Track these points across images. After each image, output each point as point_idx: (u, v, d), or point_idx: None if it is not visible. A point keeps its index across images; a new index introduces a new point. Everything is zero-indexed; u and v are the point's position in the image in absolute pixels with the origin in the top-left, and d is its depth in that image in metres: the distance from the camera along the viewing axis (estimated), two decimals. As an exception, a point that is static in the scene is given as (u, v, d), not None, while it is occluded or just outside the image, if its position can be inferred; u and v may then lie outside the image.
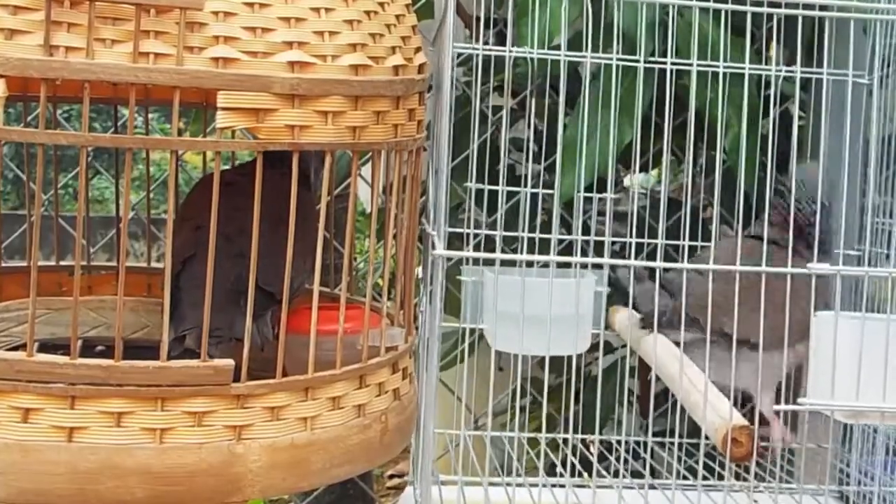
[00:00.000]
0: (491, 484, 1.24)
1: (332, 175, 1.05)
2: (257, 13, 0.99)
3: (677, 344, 1.24)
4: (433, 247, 1.13)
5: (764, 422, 1.37)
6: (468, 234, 1.45)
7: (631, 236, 1.44)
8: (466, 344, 1.38)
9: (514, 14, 1.46)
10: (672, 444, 1.45)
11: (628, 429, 1.51)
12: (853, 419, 1.16)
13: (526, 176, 1.53)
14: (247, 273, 1.02)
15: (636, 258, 1.43)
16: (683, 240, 1.33)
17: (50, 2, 0.94)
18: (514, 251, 1.42)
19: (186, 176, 1.83)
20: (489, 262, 1.28)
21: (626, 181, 1.88)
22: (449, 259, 1.21)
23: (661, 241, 1.31)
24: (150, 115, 1.48)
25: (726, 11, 1.33)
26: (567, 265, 1.28)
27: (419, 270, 1.37)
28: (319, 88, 1.01)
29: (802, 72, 1.26)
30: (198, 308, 1.01)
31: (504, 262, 1.26)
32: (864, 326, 1.10)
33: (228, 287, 1.08)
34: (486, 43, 1.61)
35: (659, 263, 1.20)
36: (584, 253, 1.44)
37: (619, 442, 1.47)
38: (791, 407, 1.13)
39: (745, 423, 1.06)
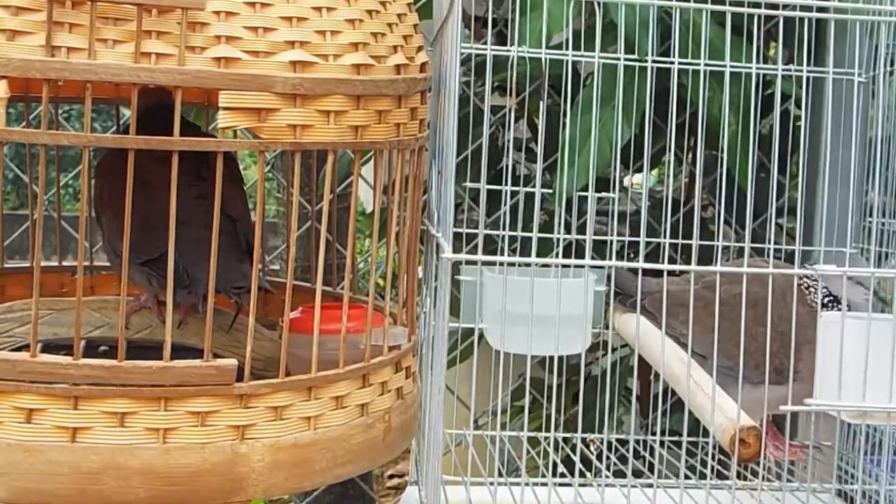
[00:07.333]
0: (496, 484, 1.24)
1: (333, 175, 1.05)
2: (259, 13, 0.99)
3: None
4: (441, 250, 1.12)
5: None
6: (466, 234, 1.45)
7: (637, 236, 1.43)
8: (463, 343, 1.37)
9: (516, 14, 1.46)
10: (677, 444, 1.44)
11: (628, 428, 1.51)
12: (860, 419, 1.15)
13: (524, 176, 1.53)
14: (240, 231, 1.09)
15: (635, 258, 1.43)
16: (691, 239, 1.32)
17: (51, 2, 0.93)
18: (513, 251, 1.42)
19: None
20: (492, 263, 1.27)
21: (626, 181, 1.88)
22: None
23: (665, 240, 1.31)
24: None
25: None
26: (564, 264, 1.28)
27: (420, 270, 1.37)
28: (321, 88, 1.00)
29: (803, 71, 1.26)
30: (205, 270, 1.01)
31: (509, 264, 1.25)
32: (871, 327, 1.10)
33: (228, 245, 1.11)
34: (485, 43, 1.60)
35: (665, 266, 1.20)
36: (580, 253, 1.44)
37: (621, 441, 1.47)
38: (799, 408, 1.13)
39: (753, 423, 1.06)
